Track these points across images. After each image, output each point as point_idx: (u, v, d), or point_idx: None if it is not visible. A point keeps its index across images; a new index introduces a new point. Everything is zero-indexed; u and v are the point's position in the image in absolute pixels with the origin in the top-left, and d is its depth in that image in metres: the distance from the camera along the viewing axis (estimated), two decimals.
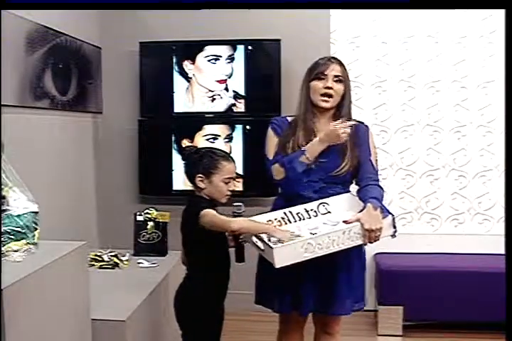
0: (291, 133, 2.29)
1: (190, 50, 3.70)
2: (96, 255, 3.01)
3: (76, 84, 3.35)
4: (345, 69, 2.30)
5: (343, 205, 2.25)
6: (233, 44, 3.66)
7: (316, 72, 2.27)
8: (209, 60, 3.68)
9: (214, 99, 3.70)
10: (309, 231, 2.14)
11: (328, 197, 2.25)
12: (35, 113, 2.89)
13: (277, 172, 2.26)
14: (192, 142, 3.68)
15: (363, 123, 2.37)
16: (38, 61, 2.88)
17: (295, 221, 2.23)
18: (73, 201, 3.40)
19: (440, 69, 3.75)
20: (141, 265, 3.01)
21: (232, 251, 2.20)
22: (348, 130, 2.18)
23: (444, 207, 3.81)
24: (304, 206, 2.24)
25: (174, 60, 3.70)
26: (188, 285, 2.18)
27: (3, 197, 1.75)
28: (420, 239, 3.74)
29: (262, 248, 2.06)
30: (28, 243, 1.78)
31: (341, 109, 2.30)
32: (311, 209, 2.24)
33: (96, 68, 3.70)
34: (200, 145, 3.45)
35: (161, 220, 3.18)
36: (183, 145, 3.65)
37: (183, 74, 3.71)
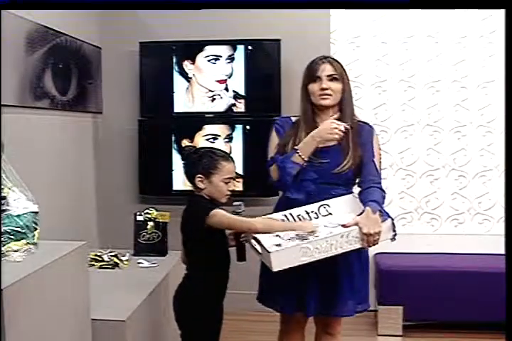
0: (293, 133, 2.29)
1: (190, 50, 3.70)
2: (96, 255, 3.01)
3: (76, 84, 3.35)
4: (339, 66, 2.28)
5: (344, 207, 2.22)
6: (233, 44, 3.66)
7: (309, 74, 2.28)
8: (209, 60, 3.68)
9: (214, 99, 3.70)
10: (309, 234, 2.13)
11: (330, 198, 2.23)
12: (35, 113, 2.89)
13: (273, 172, 2.27)
14: (192, 142, 3.68)
15: (367, 124, 2.36)
16: (38, 61, 2.88)
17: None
18: (73, 201, 3.40)
19: (440, 69, 3.75)
20: (141, 265, 3.01)
21: (232, 250, 2.20)
22: (342, 127, 2.17)
23: (444, 207, 3.81)
24: (304, 208, 2.22)
25: (174, 60, 3.70)
26: (188, 284, 2.18)
27: (4, 198, 1.75)
28: (420, 239, 3.74)
29: (260, 251, 2.05)
30: (28, 243, 1.78)
31: (343, 107, 2.29)
32: (312, 211, 2.21)
33: (96, 68, 3.70)
34: (200, 146, 3.45)
35: (161, 220, 3.18)
36: (183, 146, 3.65)
37: (183, 74, 3.71)
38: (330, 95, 2.25)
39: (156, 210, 3.21)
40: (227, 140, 3.71)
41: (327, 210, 2.22)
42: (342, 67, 2.30)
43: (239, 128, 3.69)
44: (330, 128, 2.18)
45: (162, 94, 3.76)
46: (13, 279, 1.53)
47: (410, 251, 3.65)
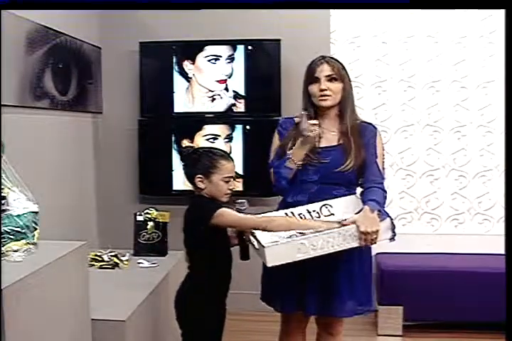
0: (294, 134, 2.28)
1: (190, 50, 3.70)
2: (96, 255, 3.01)
3: (76, 84, 3.35)
4: (337, 66, 2.27)
5: (346, 207, 2.21)
6: (233, 44, 3.66)
7: (309, 76, 2.28)
8: (209, 60, 3.68)
9: (214, 99, 3.70)
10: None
11: (331, 198, 2.22)
12: (35, 113, 2.89)
13: (271, 177, 2.30)
14: (192, 142, 3.68)
15: (371, 124, 2.35)
16: (38, 61, 2.88)
17: None
18: (73, 201, 3.40)
19: (440, 69, 3.75)
20: (141, 265, 3.01)
21: (234, 249, 2.20)
22: (315, 127, 2.16)
23: (444, 207, 3.81)
24: (306, 207, 2.21)
25: (174, 60, 3.70)
26: (190, 284, 2.18)
27: (3, 198, 1.75)
28: (420, 239, 3.74)
29: (257, 247, 2.06)
30: (28, 243, 1.78)
31: (344, 107, 2.29)
32: (314, 211, 2.21)
33: (96, 68, 3.70)
34: (200, 146, 3.45)
35: (161, 220, 3.18)
36: (183, 146, 3.65)
37: (183, 74, 3.71)
38: (329, 96, 2.25)
39: (156, 210, 3.21)
40: (227, 140, 3.71)
41: (329, 210, 2.21)
42: (342, 66, 2.29)
43: (239, 128, 3.69)
44: (305, 127, 2.16)
45: (162, 94, 3.76)
46: (13, 279, 1.54)
47: (410, 251, 3.65)
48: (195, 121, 3.74)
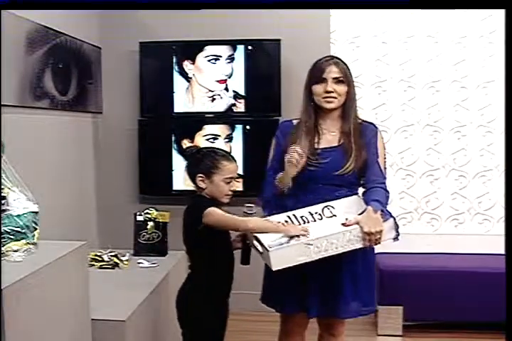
0: (294, 136, 2.26)
1: (190, 50, 3.70)
2: (96, 255, 3.01)
3: (76, 84, 3.35)
4: (345, 68, 2.24)
5: (348, 208, 2.18)
6: (233, 44, 3.66)
7: (315, 75, 2.24)
8: (209, 60, 3.68)
9: (214, 99, 3.70)
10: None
11: (333, 199, 2.20)
12: (35, 113, 2.89)
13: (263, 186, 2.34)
14: (192, 142, 3.68)
15: (372, 123, 2.33)
16: (38, 61, 2.88)
17: (299, 224, 2.15)
18: (73, 201, 3.40)
19: (440, 69, 3.75)
20: (141, 265, 3.01)
21: (237, 252, 2.19)
22: (299, 150, 2.13)
23: (444, 207, 3.81)
24: (308, 209, 2.19)
25: (174, 60, 3.70)
26: (190, 284, 2.18)
27: (3, 198, 1.75)
28: (420, 239, 3.74)
29: (261, 251, 2.05)
30: (28, 243, 1.78)
31: (346, 109, 2.27)
32: (316, 212, 2.18)
33: (96, 68, 3.70)
34: (200, 146, 3.45)
35: (161, 220, 3.18)
36: (183, 146, 3.65)
37: (183, 74, 3.71)
38: (335, 98, 2.22)
39: (156, 210, 3.21)
40: (227, 140, 3.71)
41: (331, 211, 2.19)
42: (348, 68, 2.26)
43: (239, 128, 3.69)
44: (289, 153, 2.15)
45: (162, 94, 3.76)
46: (13, 279, 1.53)
47: (410, 251, 3.65)
48: (195, 121, 3.74)
